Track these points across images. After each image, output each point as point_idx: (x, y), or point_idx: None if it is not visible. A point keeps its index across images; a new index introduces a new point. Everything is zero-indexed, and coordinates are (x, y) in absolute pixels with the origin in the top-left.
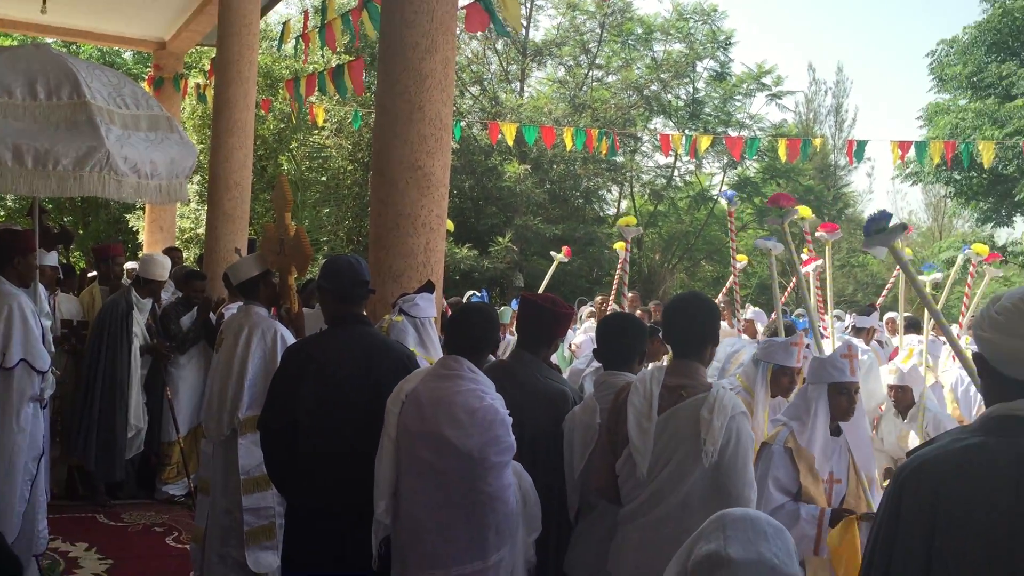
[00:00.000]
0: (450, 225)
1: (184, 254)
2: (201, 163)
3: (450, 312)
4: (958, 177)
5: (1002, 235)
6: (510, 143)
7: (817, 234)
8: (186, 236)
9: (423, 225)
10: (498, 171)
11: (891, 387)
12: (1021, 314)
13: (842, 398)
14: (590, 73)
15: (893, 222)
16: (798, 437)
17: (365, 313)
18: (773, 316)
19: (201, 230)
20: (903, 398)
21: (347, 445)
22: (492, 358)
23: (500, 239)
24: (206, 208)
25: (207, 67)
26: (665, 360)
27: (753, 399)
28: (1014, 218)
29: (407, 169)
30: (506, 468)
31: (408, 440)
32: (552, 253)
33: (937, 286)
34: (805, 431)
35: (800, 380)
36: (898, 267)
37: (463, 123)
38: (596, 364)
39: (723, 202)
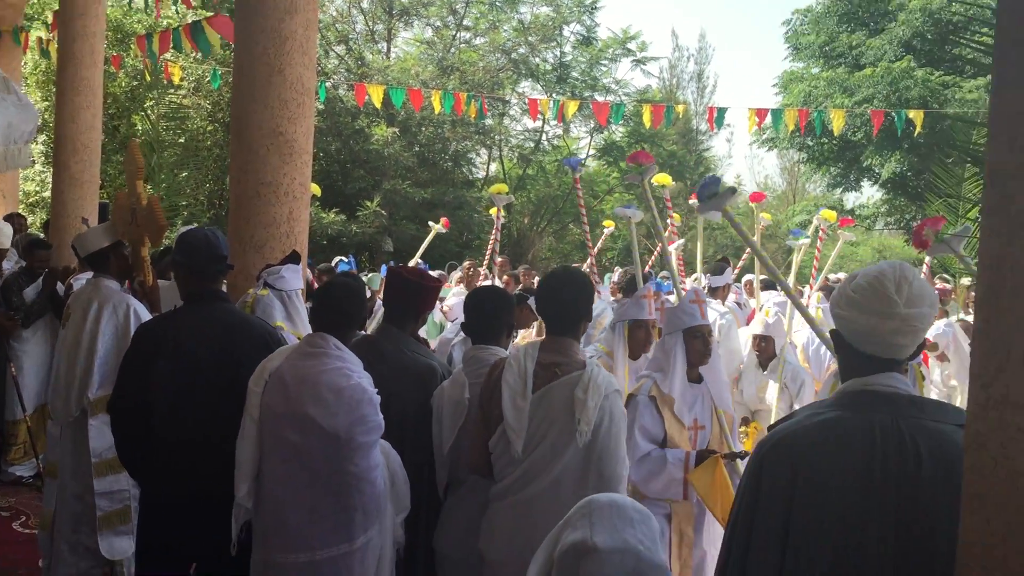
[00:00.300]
0: (316, 189)
1: (29, 219)
2: (46, 122)
3: (316, 282)
4: (811, 143)
5: (850, 199)
6: (378, 105)
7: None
8: (31, 200)
9: (286, 194)
10: (366, 134)
11: (755, 337)
12: (875, 292)
13: (697, 342)
14: (458, 35)
15: (724, 186)
16: (661, 386)
17: (225, 288)
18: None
19: (47, 193)
20: (766, 349)
21: (205, 428)
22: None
23: (368, 203)
24: (52, 171)
25: (50, 19)
26: (535, 329)
27: (614, 361)
28: (861, 183)
29: (267, 135)
30: (373, 448)
31: (272, 421)
32: (431, 223)
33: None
34: (667, 380)
35: (656, 334)
36: (759, 227)
37: (328, 83)
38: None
39: (568, 169)
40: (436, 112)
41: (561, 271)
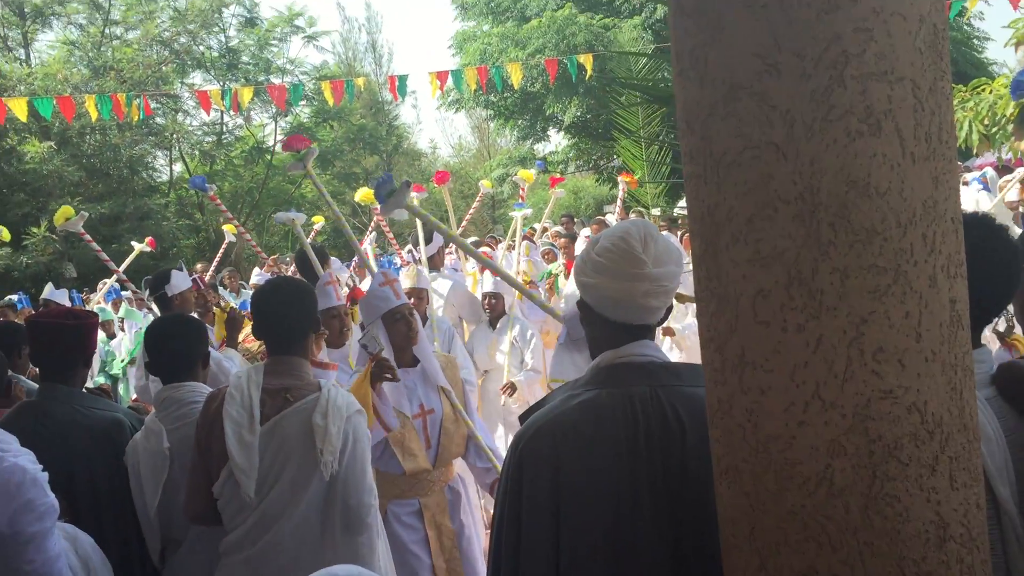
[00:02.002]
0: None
1: None
2: None
3: None
4: (494, 99)
5: (540, 148)
6: (23, 119)
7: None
8: None
9: None
10: (18, 153)
11: (485, 295)
12: (622, 254)
13: (399, 324)
14: (107, 31)
15: (397, 182)
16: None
17: None
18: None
19: None
20: (496, 306)
21: None
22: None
23: (36, 229)
24: None
25: None
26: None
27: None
28: (548, 131)
29: None
30: (49, 537)
31: None
32: (135, 243)
33: (526, 219)
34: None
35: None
36: (479, 199)
37: None
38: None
39: (200, 192)
40: (94, 118)
41: (276, 281)
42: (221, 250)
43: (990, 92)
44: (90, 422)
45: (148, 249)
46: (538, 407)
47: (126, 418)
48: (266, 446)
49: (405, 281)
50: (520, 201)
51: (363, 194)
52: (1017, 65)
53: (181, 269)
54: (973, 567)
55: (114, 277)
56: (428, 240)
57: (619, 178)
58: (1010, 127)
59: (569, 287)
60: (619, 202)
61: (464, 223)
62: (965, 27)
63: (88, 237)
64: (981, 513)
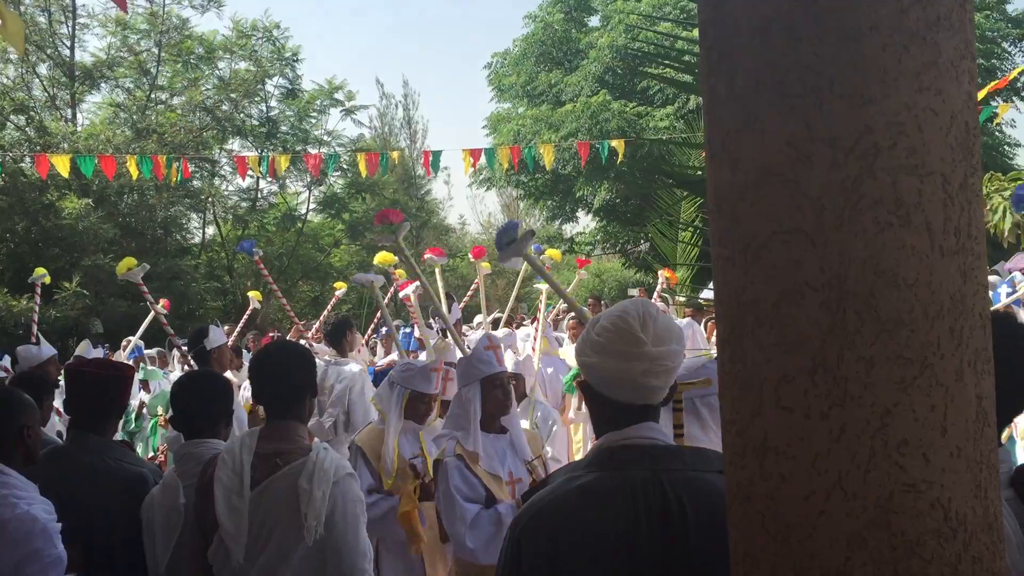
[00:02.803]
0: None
1: None
2: None
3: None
4: (525, 179)
5: (568, 229)
6: (65, 175)
7: (426, 257)
8: None
9: None
10: (56, 208)
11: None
12: (621, 333)
13: (497, 391)
14: (152, 95)
15: (521, 231)
16: (464, 444)
17: None
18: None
19: None
20: (516, 388)
21: None
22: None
23: (67, 284)
24: None
25: None
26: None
27: (386, 423)
28: (577, 213)
29: None
30: None
31: None
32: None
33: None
34: (470, 437)
35: (437, 407)
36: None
37: (7, 157)
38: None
39: (246, 254)
40: (134, 178)
41: (274, 346)
42: (247, 314)
43: None
44: (115, 474)
45: (164, 311)
46: (541, 486)
47: (150, 474)
48: (255, 511)
49: (433, 354)
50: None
51: (381, 256)
52: None
53: (218, 325)
54: None
55: (136, 337)
56: (449, 310)
57: (661, 272)
58: None
59: None
60: (656, 295)
61: (512, 300)
62: (996, 133)
63: (145, 289)
64: None
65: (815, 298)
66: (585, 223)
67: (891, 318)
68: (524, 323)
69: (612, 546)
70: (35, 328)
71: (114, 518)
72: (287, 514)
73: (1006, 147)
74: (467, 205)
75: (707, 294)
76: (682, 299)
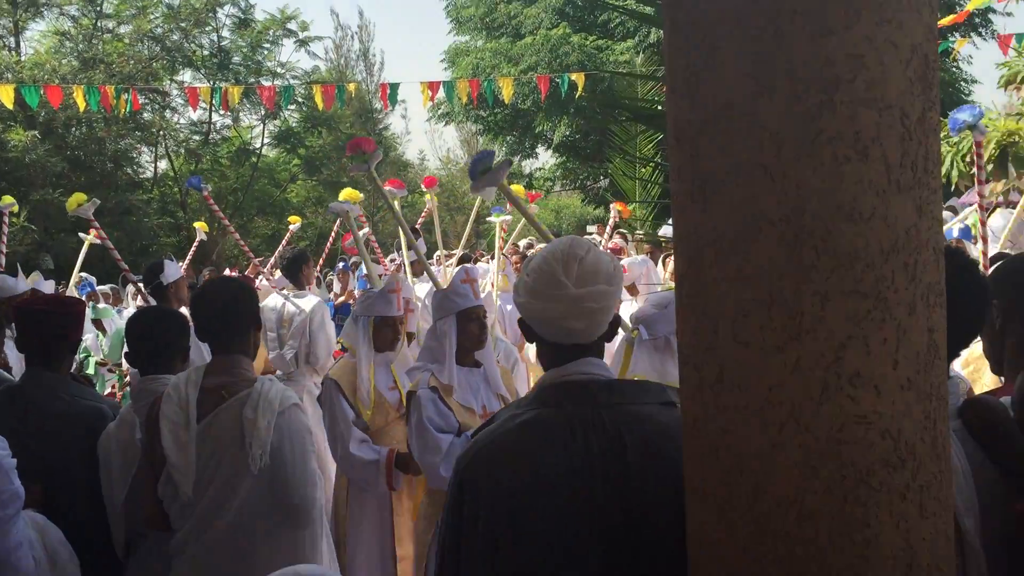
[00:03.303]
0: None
1: None
2: None
3: None
4: (484, 114)
5: (527, 165)
6: (9, 106)
7: (386, 189)
8: None
9: None
10: (1, 141)
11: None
12: (543, 274)
13: (472, 325)
14: (99, 23)
15: (497, 161)
16: (439, 377)
17: None
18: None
19: None
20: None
21: None
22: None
23: (15, 219)
24: None
25: None
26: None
27: (358, 356)
28: (536, 149)
29: None
30: (11, 523)
31: None
32: (81, 235)
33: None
34: (444, 369)
35: (404, 333)
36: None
37: None
38: None
39: (195, 189)
40: (82, 110)
41: (215, 282)
42: (194, 246)
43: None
44: (72, 411)
45: (97, 241)
46: (488, 424)
47: (109, 409)
48: (202, 444)
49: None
50: (499, 206)
51: (347, 193)
52: (1003, 108)
53: (172, 260)
54: None
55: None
56: (409, 247)
57: (612, 206)
58: (990, 167)
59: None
60: (609, 228)
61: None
62: (953, 69)
63: (98, 225)
64: (949, 544)
65: (773, 232)
66: (544, 159)
67: (847, 252)
68: (482, 259)
69: (552, 481)
70: (3, 260)
71: (71, 454)
72: (233, 446)
73: (963, 83)
74: (426, 140)
75: (667, 230)
76: (641, 235)
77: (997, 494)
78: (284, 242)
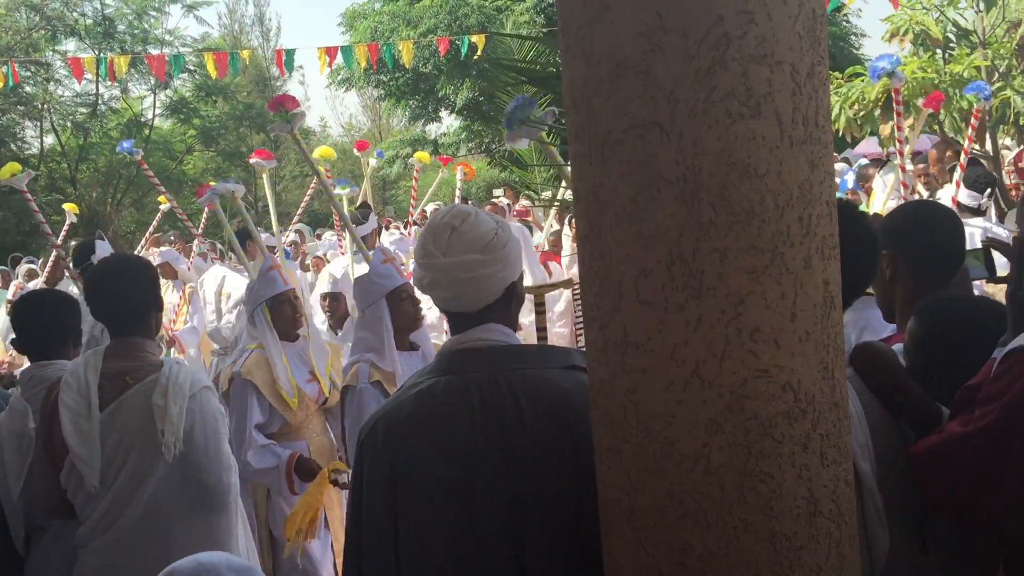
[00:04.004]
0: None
1: None
2: None
3: None
4: (386, 79)
5: (432, 130)
6: None
7: (252, 161)
8: None
9: None
10: None
11: (324, 296)
12: (420, 244)
13: (404, 304)
14: None
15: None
16: (381, 365)
17: None
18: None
19: None
20: (337, 309)
21: None
22: None
23: None
24: None
25: None
26: None
27: (267, 348)
28: (440, 113)
29: None
30: None
31: None
32: None
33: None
34: (385, 358)
35: (299, 305)
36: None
37: None
38: None
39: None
40: None
41: (109, 260)
42: (64, 229)
43: (861, 80)
44: None
45: None
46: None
47: (2, 399)
48: (107, 433)
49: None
50: (345, 179)
51: (322, 151)
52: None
53: (102, 238)
54: (841, 541)
55: None
56: (364, 219)
57: (459, 168)
58: (877, 112)
59: None
60: (457, 192)
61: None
62: (843, 23)
63: (30, 197)
64: (849, 489)
65: (670, 191)
66: (449, 123)
67: (743, 209)
68: (390, 227)
69: (447, 450)
70: None
71: None
72: (142, 433)
73: (853, 36)
74: (327, 107)
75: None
76: (547, 195)
77: (892, 437)
78: (155, 223)
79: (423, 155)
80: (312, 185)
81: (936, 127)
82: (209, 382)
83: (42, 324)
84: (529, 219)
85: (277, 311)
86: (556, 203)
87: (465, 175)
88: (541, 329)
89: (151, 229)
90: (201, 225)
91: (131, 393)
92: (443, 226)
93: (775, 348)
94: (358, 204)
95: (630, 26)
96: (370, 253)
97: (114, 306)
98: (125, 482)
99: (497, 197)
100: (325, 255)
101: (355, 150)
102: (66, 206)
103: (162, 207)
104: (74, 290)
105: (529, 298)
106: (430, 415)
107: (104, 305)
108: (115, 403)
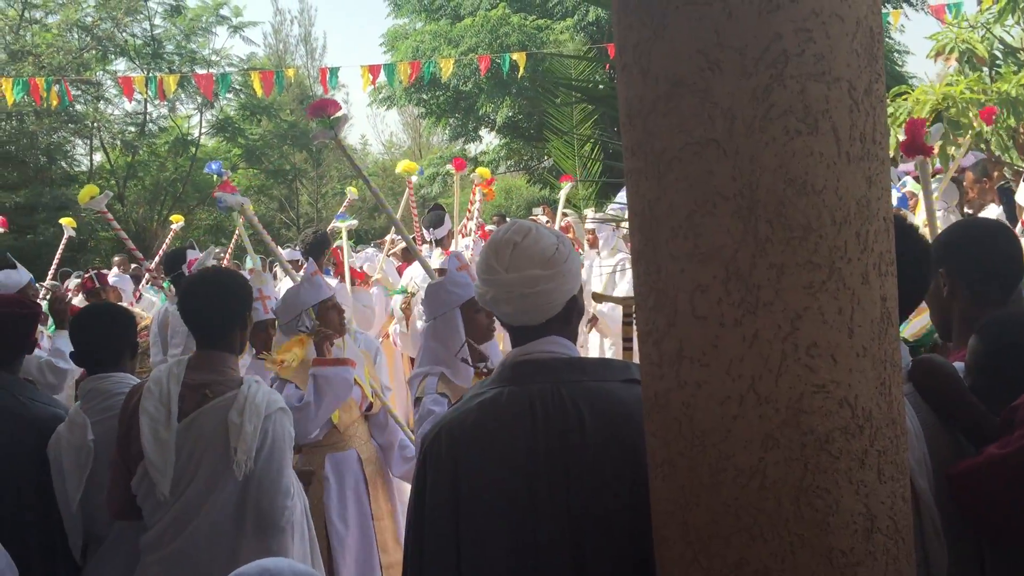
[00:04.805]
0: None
1: None
2: None
3: None
4: (426, 97)
5: (472, 148)
6: None
7: (217, 195)
8: None
9: None
10: None
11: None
12: (482, 260)
13: (480, 316)
14: (26, 14)
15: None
16: (453, 379)
17: None
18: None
19: None
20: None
21: None
22: None
23: None
24: None
25: None
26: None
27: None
28: (480, 131)
29: None
30: None
31: None
32: None
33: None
34: (457, 371)
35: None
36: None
37: None
38: None
39: (215, 176)
40: (10, 103)
41: (206, 274)
42: (63, 242)
43: (906, 99)
44: (26, 414)
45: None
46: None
47: (66, 414)
48: (182, 443)
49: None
50: (343, 213)
51: (406, 165)
52: (936, 78)
53: (193, 247)
54: (898, 558)
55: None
56: (437, 222)
57: (561, 181)
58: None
59: None
60: (561, 204)
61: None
62: (887, 40)
63: (110, 216)
64: (907, 506)
65: (727, 207)
66: (488, 141)
67: (800, 225)
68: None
69: (510, 460)
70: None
71: (20, 459)
72: (214, 448)
73: (895, 54)
74: (368, 125)
75: (613, 208)
76: (589, 212)
77: (950, 453)
78: (167, 241)
79: (484, 171)
80: (347, 201)
81: (983, 146)
82: (284, 404)
83: (100, 337)
84: (570, 235)
85: (324, 316)
86: (608, 219)
87: (484, 196)
88: (627, 340)
89: (57, 256)
90: (233, 239)
91: (209, 407)
92: (505, 242)
93: (832, 363)
94: (433, 206)
95: (687, 44)
96: (325, 275)
97: (201, 318)
98: (194, 494)
99: (536, 215)
100: (362, 267)
101: (452, 168)
102: (63, 220)
103: (173, 226)
104: (153, 299)
105: (617, 308)
106: (493, 425)
107: (192, 316)
108: (192, 415)
